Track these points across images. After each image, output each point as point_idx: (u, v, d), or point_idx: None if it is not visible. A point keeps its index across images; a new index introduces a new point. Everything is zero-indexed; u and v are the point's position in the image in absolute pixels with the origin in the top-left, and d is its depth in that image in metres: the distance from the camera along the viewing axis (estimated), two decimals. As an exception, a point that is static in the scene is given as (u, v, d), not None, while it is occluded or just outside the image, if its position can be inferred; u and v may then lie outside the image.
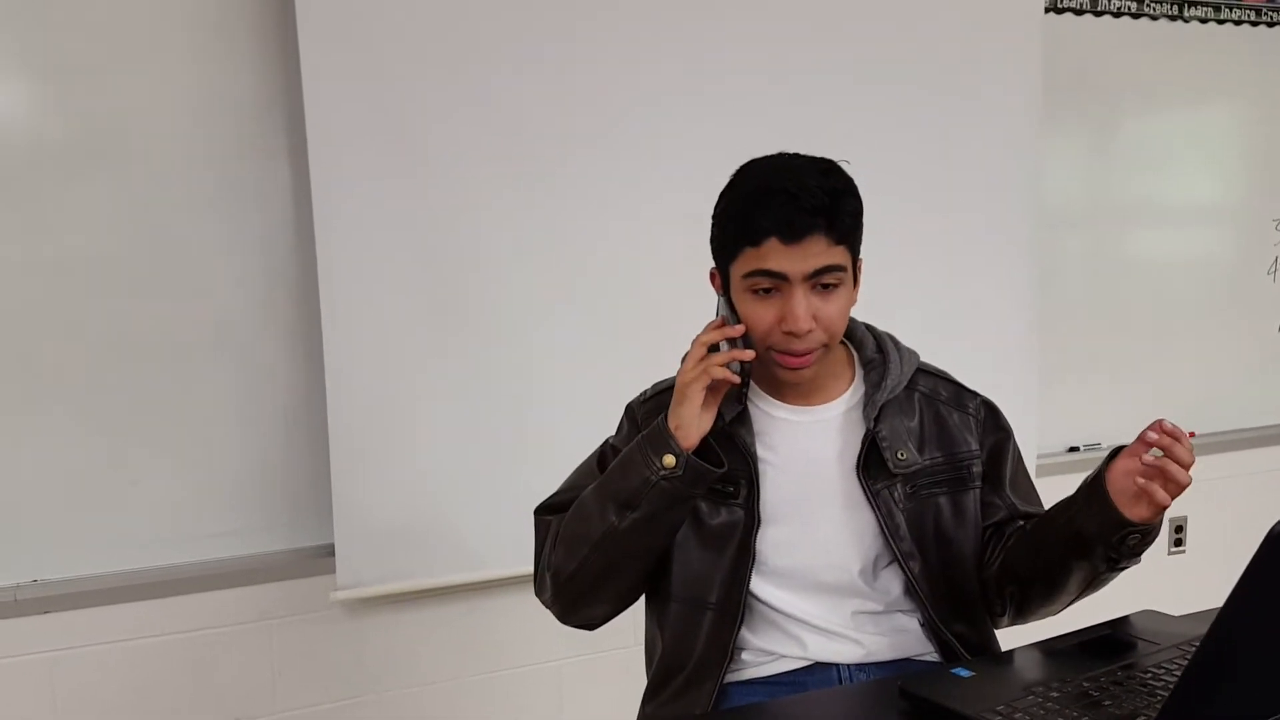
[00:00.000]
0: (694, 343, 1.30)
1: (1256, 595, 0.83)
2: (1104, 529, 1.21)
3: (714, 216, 1.35)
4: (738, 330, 1.29)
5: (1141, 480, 1.16)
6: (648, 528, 1.30)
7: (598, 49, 2.26)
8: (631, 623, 2.10)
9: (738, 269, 1.29)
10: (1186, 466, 1.16)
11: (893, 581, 1.39)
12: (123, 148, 2.04)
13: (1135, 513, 1.18)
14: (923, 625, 1.39)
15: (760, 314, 1.28)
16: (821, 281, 1.27)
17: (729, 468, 1.31)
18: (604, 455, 1.45)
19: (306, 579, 2.20)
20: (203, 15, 2.06)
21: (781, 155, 1.33)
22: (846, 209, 1.27)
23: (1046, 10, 2.72)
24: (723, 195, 1.34)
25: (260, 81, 2.11)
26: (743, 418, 1.36)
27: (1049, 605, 1.37)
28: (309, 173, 2.07)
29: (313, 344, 2.14)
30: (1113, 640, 1.28)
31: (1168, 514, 1.24)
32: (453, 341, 2.21)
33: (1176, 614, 1.38)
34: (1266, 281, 3.16)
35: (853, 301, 1.34)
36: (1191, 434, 3.16)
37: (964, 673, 1.20)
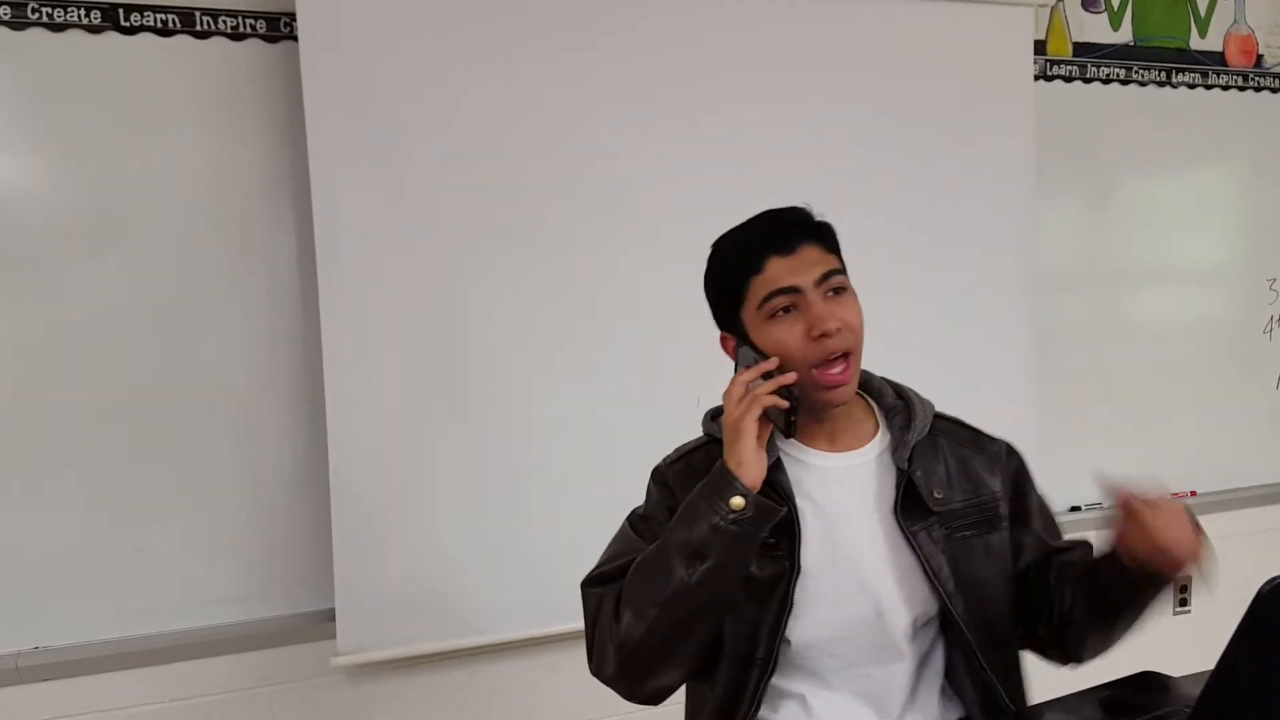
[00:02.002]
0: (732, 383, 1.30)
1: (1247, 653, 0.84)
2: (1150, 585, 1.22)
3: (707, 283, 1.39)
4: (773, 362, 1.29)
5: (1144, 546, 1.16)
6: (719, 577, 1.25)
7: (600, 116, 2.31)
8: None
9: (750, 304, 1.31)
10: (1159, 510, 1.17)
11: (929, 637, 1.38)
12: (131, 221, 2.09)
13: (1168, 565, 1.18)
14: (963, 669, 1.36)
15: (788, 333, 1.29)
16: (830, 286, 1.30)
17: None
18: (634, 525, 1.43)
19: (308, 644, 2.21)
20: (211, 91, 2.12)
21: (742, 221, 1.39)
22: (827, 225, 1.35)
23: (1037, 78, 2.78)
24: (708, 264, 1.40)
25: (267, 155, 2.17)
26: (778, 465, 1.34)
27: (1112, 643, 1.36)
28: (314, 243, 2.11)
29: (316, 412, 2.17)
30: (1114, 702, 1.29)
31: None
32: (454, 410, 2.23)
33: (1184, 673, 1.38)
34: (1263, 341, 3.17)
35: (862, 311, 1.35)
36: (1193, 493, 3.17)
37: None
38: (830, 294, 1.30)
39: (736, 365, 1.36)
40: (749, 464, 1.25)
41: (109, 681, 2.08)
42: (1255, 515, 3.10)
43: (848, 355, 1.31)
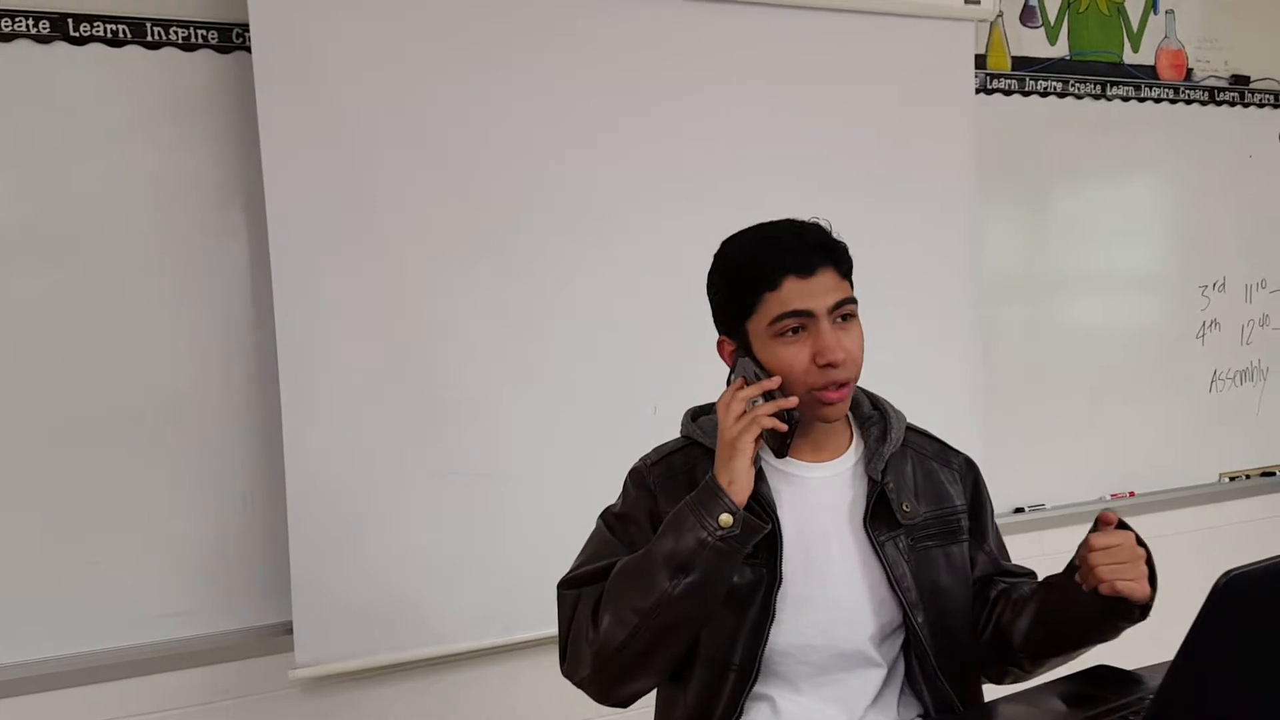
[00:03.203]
0: (731, 397, 1.30)
1: (1205, 644, 0.87)
2: (1104, 612, 1.24)
3: (715, 285, 1.40)
4: (775, 382, 1.30)
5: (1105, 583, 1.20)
6: (702, 591, 1.27)
7: (560, 124, 2.32)
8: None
9: (760, 319, 1.32)
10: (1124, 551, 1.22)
11: (896, 644, 1.41)
12: (81, 232, 2.06)
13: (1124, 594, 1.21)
14: (920, 672, 1.39)
15: (794, 355, 1.30)
16: (841, 314, 1.33)
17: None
18: (610, 525, 1.43)
19: (265, 657, 2.18)
20: (163, 101, 2.10)
21: (764, 222, 1.39)
22: (844, 248, 1.36)
23: (977, 91, 2.85)
24: (718, 265, 1.39)
25: (220, 165, 2.15)
26: (760, 475, 1.34)
27: (1062, 663, 1.40)
28: (269, 251, 2.10)
29: (271, 421, 2.15)
30: (1073, 695, 1.34)
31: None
32: (413, 418, 2.23)
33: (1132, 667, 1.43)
34: (1196, 345, 3.27)
35: (863, 337, 1.37)
36: (1131, 493, 3.25)
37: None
38: (839, 321, 1.33)
39: (733, 373, 1.36)
40: (740, 482, 1.27)
41: (60, 699, 2.04)
42: (1191, 515, 3.20)
43: (848, 383, 1.34)
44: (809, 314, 1.30)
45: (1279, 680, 0.89)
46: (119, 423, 2.09)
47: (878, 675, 1.39)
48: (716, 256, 1.40)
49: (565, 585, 1.39)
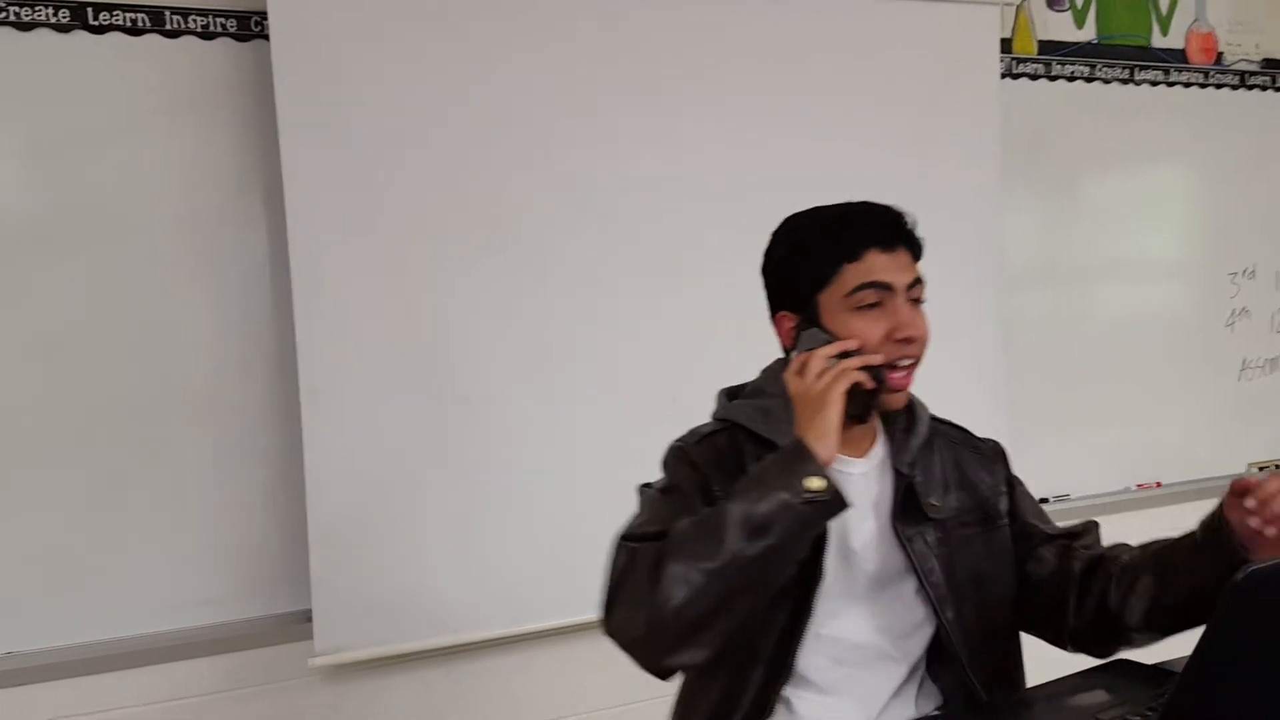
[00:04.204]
0: (810, 358, 1.26)
1: (1222, 642, 0.86)
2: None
3: (781, 258, 1.37)
4: (854, 343, 1.27)
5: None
6: (778, 558, 1.20)
7: (576, 116, 2.31)
8: (613, 682, 2.13)
9: (837, 290, 1.29)
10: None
11: (921, 640, 1.38)
12: (100, 221, 2.07)
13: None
14: (945, 668, 1.36)
15: (871, 328, 1.28)
16: (915, 295, 1.31)
17: None
18: (667, 495, 1.34)
19: (285, 645, 2.20)
20: (181, 90, 2.11)
21: (835, 202, 1.37)
22: (919, 238, 1.34)
23: (1003, 76, 2.81)
24: (787, 238, 1.37)
25: (238, 153, 2.15)
26: None
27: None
28: (287, 244, 2.11)
29: (291, 412, 2.15)
30: (1091, 689, 1.32)
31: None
32: (429, 411, 2.23)
33: (1151, 663, 1.41)
34: (1226, 334, 3.23)
35: None
36: (1159, 484, 3.21)
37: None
38: (912, 303, 1.31)
39: (795, 347, 1.33)
40: (830, 436, 1.21)
41: (84, 685, 2.06)
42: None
43: (915, 363, 1.32)
44: (888, 287, 1.28)
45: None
46: (140, 414, 2.11)
47: (899, 671, 1.37)
48: (782, 232, 1.38)
49: (626, 539, 1.28)
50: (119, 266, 2.09)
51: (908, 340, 1.28)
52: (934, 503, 1.37)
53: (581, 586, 2.31)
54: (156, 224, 2.11)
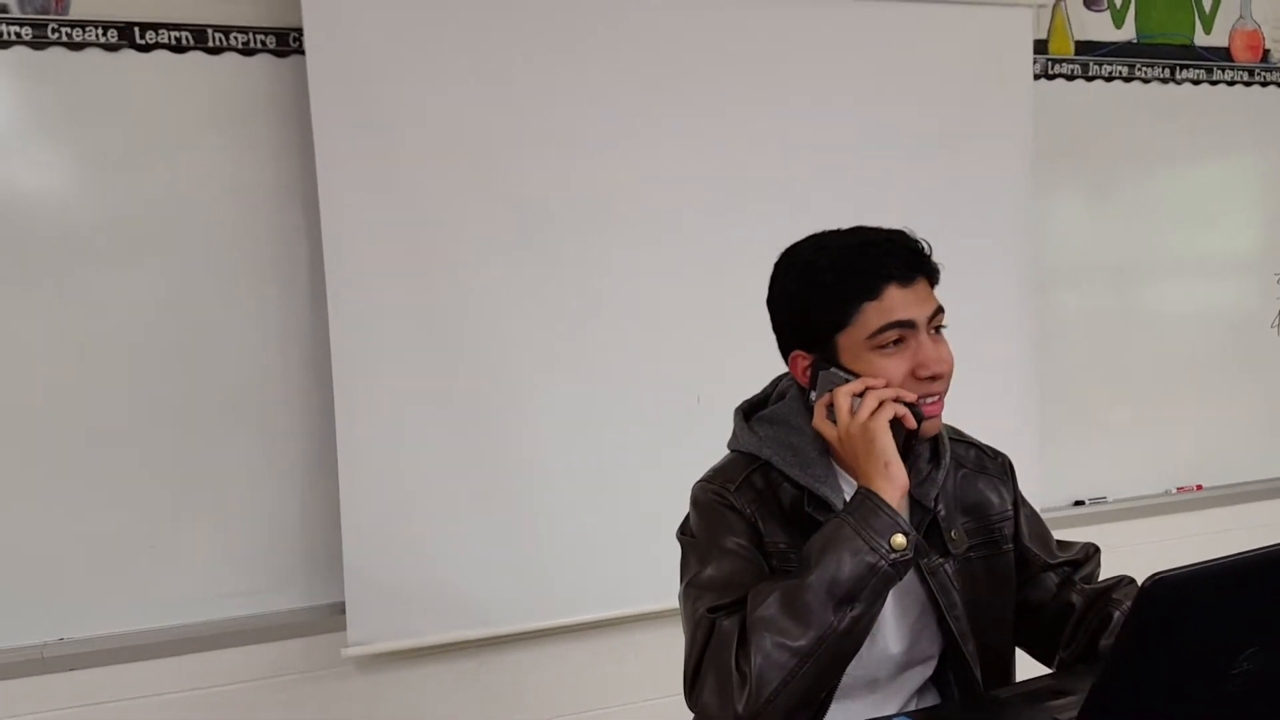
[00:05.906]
0: (838, 395, 1.23)
1: (1134, 647, 0.88)
2: None
3: (791, 297, 1.31)
4: (881, 381, 1.23)
5: None
6: (865, 623, 1.16)
7: (601, 122, 2.35)
8: (651, 671, 2.15)
9: (858, 331, 1.24)
10: None
11: (930, 667, 1.38)
12: (148, 231, 2.17)
13: None
14: (956, 679, 1.36)
15: (895, 366, 1.24)
16: (934, 325, 1.27)
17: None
18: (725, 548, 1.27)
19: (319, 636, 2.28)
20: (224, 105, 2.20)
21: (839, 229, 1.31)
22: (933, 256, 1.29)
23: (1038, 77, 2.80)
24: (796, 275, 1.30)
25: (279, 165, 2.23)
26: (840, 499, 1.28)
27: None
28: (323, 251, 2.19)
29: (326, 410, 2.23)
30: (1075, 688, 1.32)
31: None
32: (460, 406, 2.30)
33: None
34: (1270, 335, 3.17)
35: None
36: (1198, 487, 3.17)
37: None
38: (933, 332, 1.27)
39: (814, 390, 1.29)
40: (893, 465, 1.18)
41: (129, 671, 2.16)
42: (1261, 509, 3.10)
43: (944, 393, 1.29)
44: (911, 324, 1.24)
45: (1201, 681, 0.89)
46: (183, 411, 2.21)
47: (900, 696, 1.38)
48: (789, 267, 1.31)
49: (708, 609, 1.22)
50: (165, 273, 2.18)
51: (934, 377, 1.25)
52: (954, 536, 1.35)
53: (614, 582, 2.38)
54: (200, 231, 2.20)
